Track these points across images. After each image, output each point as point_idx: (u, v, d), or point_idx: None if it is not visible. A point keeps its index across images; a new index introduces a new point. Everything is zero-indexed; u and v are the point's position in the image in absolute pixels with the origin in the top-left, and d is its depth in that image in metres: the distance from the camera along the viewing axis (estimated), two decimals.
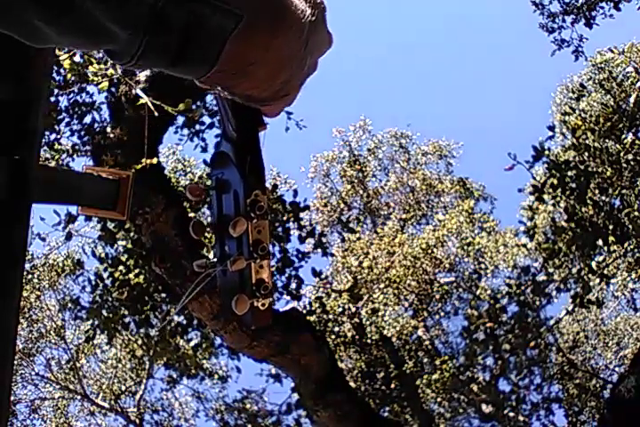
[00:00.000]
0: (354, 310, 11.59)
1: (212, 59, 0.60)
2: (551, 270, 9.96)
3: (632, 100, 8.37)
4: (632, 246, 8.61)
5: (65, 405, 12.60)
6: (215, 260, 0.96)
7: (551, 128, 8.97)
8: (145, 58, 0.57)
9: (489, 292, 12.32)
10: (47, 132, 6.89)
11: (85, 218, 8.25)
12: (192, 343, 10.25)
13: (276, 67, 0.69)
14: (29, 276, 11.23)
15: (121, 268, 7.92)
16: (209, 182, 1.00)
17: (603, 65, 10.36)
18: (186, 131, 8.17)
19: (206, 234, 0.98)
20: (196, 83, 0.70)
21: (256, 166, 0.97)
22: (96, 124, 7.29)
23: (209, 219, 1.00)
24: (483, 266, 12.73)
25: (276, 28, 0.64)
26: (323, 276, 11.43)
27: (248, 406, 12.67)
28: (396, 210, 14.80)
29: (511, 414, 11.77)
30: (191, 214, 6.90)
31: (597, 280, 9.48)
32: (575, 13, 8.78)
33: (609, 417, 7.85)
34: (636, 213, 8.08)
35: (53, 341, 12.18)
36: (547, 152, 8.42)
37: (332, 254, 12.52)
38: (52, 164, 6.97)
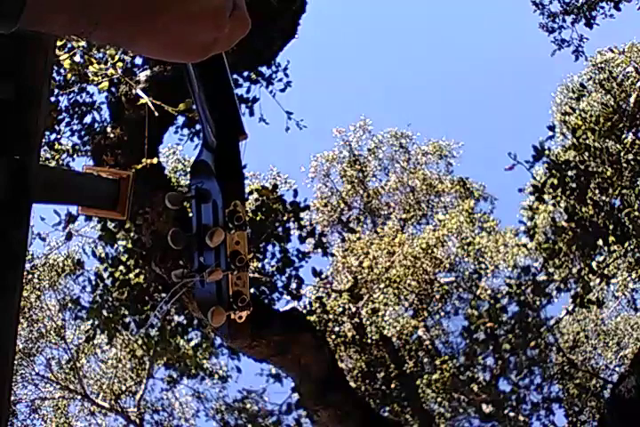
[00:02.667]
0: (354, 309, 11.59)
1: (15, 14, 0.57)
2: (551, 270, 9.96)
3: (632, 100, 8.36)
4: (632, 246, 8.61)
5: (65, 405, 12.60)
6: (193, 270, 0.94)
7: (551, 128, 8.97)
8: None
9: (489, 292, 12.32)
10: (47, 132, 6.89)
11: (85, 218, 8.26)
12: (192, 343, 10.25)
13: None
14: (29, 276, 11.23)
15: (121, 268, 7.92)
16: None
17: (603, 65, 10.35)
18: (186, 131, 8.18)
19: (183, 245, 0.96)
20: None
21: (236, 176, 0.95)
22: (96, 124, 7.29)
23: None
24: (483, 266, 12.73)
25: None
26: (323, 276, 11.43)
27: (248, 406, 12.68)
28: (396, 210, 14.80)
29: (511, 413, 11.77)
30: (191, 214, 6.90)
31: (598, 280, 9.47)
32: (575, 13, 8.79)
33: (609, 417, 7.85)
34: (637, 213, 8.08)
35: (53, 341, 12.18)
36: (547, 152, 8.42)
37: (333, 254, 12.52)
38: (53, 164, 6.97)
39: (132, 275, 7.82)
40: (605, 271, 9.27)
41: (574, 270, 9.38)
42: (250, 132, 0.97)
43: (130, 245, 7.85)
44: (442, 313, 12.98)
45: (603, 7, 8.55)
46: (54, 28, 0.62)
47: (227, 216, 0.91)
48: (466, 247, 12.68)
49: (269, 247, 8.25)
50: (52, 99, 6.78)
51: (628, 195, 8.13)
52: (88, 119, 7.32)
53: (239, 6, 0.73)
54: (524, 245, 11.35)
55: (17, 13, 0.57)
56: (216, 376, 12.47)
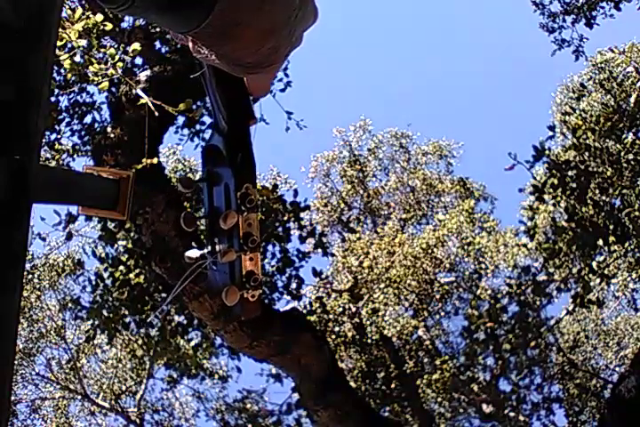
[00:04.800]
0: (354, 309, 11.59)
1: (205, 8, 0.60)
2: (551, 270, 9.96)
3: (632, 99, 8.36)
4: (632, 246, 8.61)
5: (65, 405, 12.60)
6: (206, 251, 0.95)
7: (551, 128, 8.96)
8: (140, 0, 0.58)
9: (489, 292, 12.32)
10: (47, 132, 6.89)
11: (86, 218, 8.26)
12: (192, 343, 10.24)
13: (264, 31, 0.69)
14: (29, 276, 11.23)
15: (121, 268, 7.92)
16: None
17: (603, 65, 10.35)
18: (186, 131, 8.18)
19: (199, 226, 0.97)
20: (186, 44, 0.70)
21: (247, 160, 0.96)
22: (96, 124, 7.29)
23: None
24: (483, 266, 12.73)
25: None
26: (323, 276, 11.43)
27: (248, 406, 12.67)
28: (396, 210, 14.80)
29: (512, 414, 11.77)
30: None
31: (598, 280, 9.47)
32: (575, 13, 8.78)
33: (609, 417, 7.85)
34: (637, 213, 8.08)
35: (54, 341, 12.18)
36: (547, 152, 8.41)
37: (333, 254, 12.51)
38: (53, 164, 6.97)
39: (132, 275, 7.82)
40: (605, 271, 9.27)
41: (574, 270, 9.38)
42: (256, 117, 0.98)
43: (130, 245, 7.85)
44: (442, 313, 12.98)
45: (603, 7, 8.55)
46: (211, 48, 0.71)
47: (239, 199, 0.92)
48: (466, 247, 12.68)
49: (269, 247, 8.25)
50: (53, 99, 6.78)
51: (629, 195, 8.12)
52: (88, 119, 7.33)
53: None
54: (524, 245, 11.34)
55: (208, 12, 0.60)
56: (216, 376, 12.47)
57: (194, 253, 0.96)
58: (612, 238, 7.96)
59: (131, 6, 0.60)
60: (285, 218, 8.18)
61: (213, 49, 0.73)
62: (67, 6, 4.96)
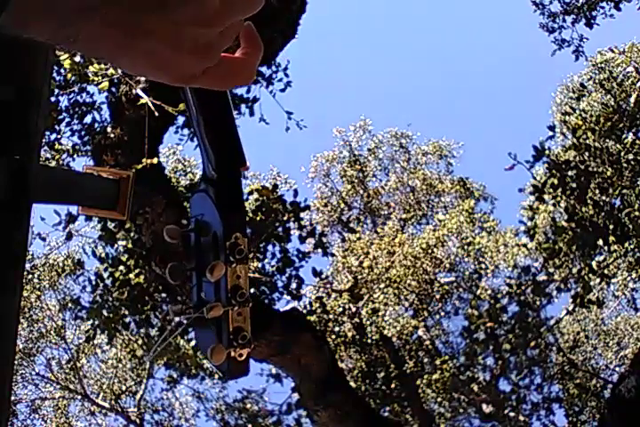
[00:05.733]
0: (354, 309, 11.59)
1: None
2: (551, 270, 9.96)
3: (632, 99, 8.36)
4: (632, 246, 8.61)
5: (65, 405, 12.61)
6: (191, 306, 0.91)
7: (551, 128, 8.96)
8: None
9: (489, 292, 12.32)
10: (47, 132, 6.89)
11: (85, 218, 8.26)
12: (192, 343, 10.24)
13: None
14: (29, 276, 11.23)
15: (121, 268, 7.92)
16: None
17: (603, 65, 10.36)
18: (186, 131, 8.18)
19: (181, 279, 0.93)
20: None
21: (237, 208, 0.92)
22: (96, 124, 7.29)
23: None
24: (483, 266, 12.73)
25: None
26: (323, 276, 11.43)
27: (248, 406, 12.67)
28: (396, 210, 14.80)
29: (512, 413, 11.77)
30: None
31: (598, 280, 9.47)
32: (575, 13, 8.79)
33: (609, 417, 7.85)
34: (637, 213, 8.08)
35: (54, 341, 12.18)
36: (547, 152, 8.41)
37: (333, 254, 12.52)
38: (53, 164, 6.97)
39: (132, 275, 7.82)
40: (605, 271, 9.27)
41: (574, 270, 9.38)
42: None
43: (130, 245, 7.85)
44: (442, 313, 12.98)
45: (603, 7, 8.55)
46: (37, 35, 0.61)
47: (227, 249, 0.88)
48: (466, 247, 12.68)
49: (269, 247, 8.25)
50: (52, 99, 6.78)
51: (628, 195, 8.12)
52: (88, 119, 7.32)
53: (247, 54, 0.71)
54: (524, 245, 11.34)
55: None
56: (216, 376, 12.46)
57: (178, 307, 0.93)
58: (612, 238, 7.96)
59: None
60: (285, 218, 8.17)
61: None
62: None
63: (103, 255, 8.32)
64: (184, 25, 0.63)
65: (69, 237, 8.06)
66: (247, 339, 0.88)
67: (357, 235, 13.20)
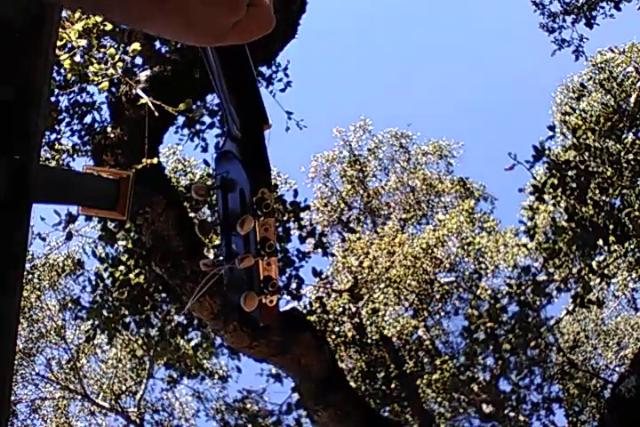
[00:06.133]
0: (354, 309, 11.59)
1: None
2: (551, 270, 9.96)
3: (632, 99, 8.36)
4: (632, 246, 8.61)
5: (65, 405, 12.61)
6: (222, 258, 0.96)
7: (551, 128, 8.96)
8: None
9: (489, 292, 12.32)
10: (47, 132, 6.89)
11: (86, 218, 8.26)
12: (192, 343, 10.25)
13: None
14: (29, 276, 11.23)
15: (121, 268, 7.92)
16: (210, 182, 1.00)
17: (603, 65, 10.36)
18: (186, 131, 8.18)
19: (210, 234, 0.98)
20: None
21: (262, 164, 0.97)
22: (96, 124, 7.29)
23: (209, 219, 1.01)
24: (483, 266, 12.73)
25: None
26: (323, 276, 11.43)
27: (248, 406, 12.67)
28: (396, 210, 14.80)
29: (512, 414, 11.77)
30: (191, 214, 6.90)
31: (598, 280, 9.47)
32: (575, 13, 8.79)
33: (609, 417, 7.85)
34: (637, 213, 8.08)
35: (54, 341, 12.18)
36: (547, 152, 8.41)
37: (333, 254, 12.52)
38: (53, 164, 6.97)
39: (132, 275, 7.82)
40: (605, 271, 9.27)
41: (574, 270, 9.38)
42: (270, 122, 0.98)
43: (130, 245, 7.85)
44: (442, 313, 12.98)
45: (603, 7, 8.55)
46: (68, 2, 0.61)
47: (255, 204, 0.92)
48: (466, 247, 12.68)
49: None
50: (52, 99, 6.78)
51: (628, 195, 8.12)
52: (88, 119, 7.33)
53: (261, 3, 0.72)
54: (524, 245, 11.35)
55: None
56: (216, 376, 12.47)
57: (209, 260, 0.97)
58: (612, 238, 7.96)
59: None
60: (285, 218, 8.18)
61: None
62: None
63: (103, 255, 8.32)
64: None
65: (69, 237, 8.06)
66: (276, 286, 0.94)
67: (357, 235, 13.20)
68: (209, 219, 7.21)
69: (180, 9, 0.63)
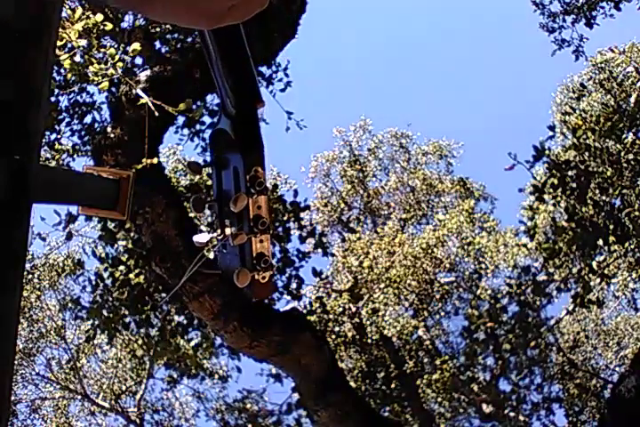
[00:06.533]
0: (354, 309, 11.59)
1: None
2: (551, 270, 9.96)
3: (632, 99, 8.36)
4: (632, 246, 8.61)
5: (65, 405, 12.60)
6: (215, 235, 0.97)
7: (551, 128, 8.96)
8: None
9: (489, 292, 12.32)
10: (47, 132, 6.89)
11: (86, 218, 8.26)
12: (192, 343, 10.25)
13: None
14: (29, 276, 11.23)
15: (121, 268, 7.92)
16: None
17: (603, 65, 10.35)
18: (186, 131, 8.18)
19: (204, 210, 0.98)
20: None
21: (255, 143, 0.97)
22: (96, 124, 7.29)
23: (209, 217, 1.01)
24: (483, 266, 12.73)
25: None
26: (323, 276, 11.43)
27: (248, 406, 12.67)
28: (396, 210, 14.80)
29: (512, 413, 11.77)
30: (191, 214, 6.90)
31: (598, 280, 9.47)
32: (575, 13, 8.78)
33: (609, 417, 7.85)
34: (637, 213, 8.08)
35: (54, 341, 12.18)
36: (547, 152, 8.41)
37: (333, 254, 12.52)
38: (53, 164, 6.97)
39: (132, 275, 7.82)
40: (605, 271, 9.27)
41: (574, 270, 9.38)
42: (264, 100, 0.98)
43: (130, 245, 7.85)
44: (442, 313, 12.98)
45: (603, 7, 8.55)
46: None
47: (248, 182, 0.93)
48: (466, 247, 12.68)
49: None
50: (53, 99, 6.78)
51: (629, 195, 8.12)
52: (88, 119, 7.33)
53: None
54: (524, 245, 11.35)
55: None
56: (216, 376, 12.47)
57: (203, 237, 0.97)
58: (612, 238, 7.96)
59: None
60: (285, 218, 8.17)
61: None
62: (67, 6, 4.96)
63: (103, 255, 8.32)
64: None
65: (69, 237, 8.06)
66: (269, 263, 0.95)
67: (357, 235, 13.20)
68: (208, 219, 7.22)
69: None
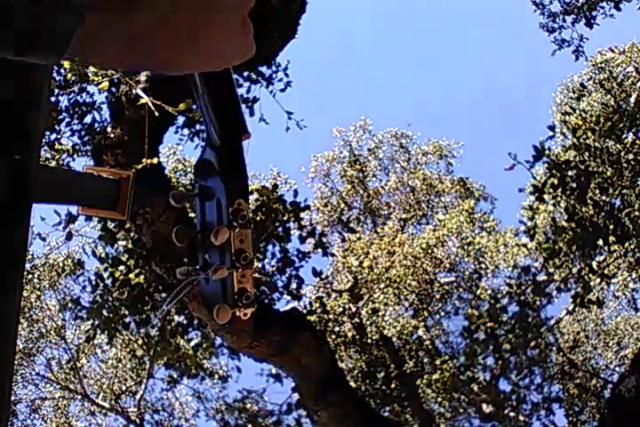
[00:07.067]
0: (354, 309, 11.59)
1: (61, 49, 0.60)
2: (551, 270, 9.96)
3: (632, 99, 8.36)
4: (632, 246, 8.61)
5: (65, 405, 12.61)
6: (197, 267, 0.95)
7: (551, 128, 8.96)
8: None
9: (489, 292, 12.32)
10: (47, 132, 6.88)
11: (86, 218, 8.26)
12: (192, 343, 10.25)
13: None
14: (30, 276, 11.23)
15: (121, 268, 7.92)
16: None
17: (603, 65, 10.36)
18: (186, 131, 8.18)
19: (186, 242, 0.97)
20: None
21: (239, 175, 0.96)
22: (96, 124, 7.29)
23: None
24: (483, 266, 12.73)
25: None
26: (323, 276, 11.43)
27: (248, 406, 12.68)
28: (396, 210, 14.80)
29: (512, 413, 11.77)
30: (191, 215, 6.91)
31: (598, 280, 9.47)
32: (576, 13, 8.78)
33: (609, 417, 7.86)
34: (637, 213, 8.08)
35: (54, 341, 12.18)
36: (547, 152, 8.41)
37: (333, 254, 12.52)
38: (53, 164, 6.96)
39: (132, 275, 7.82)
40: (605, 271, 9.27)
41: (574, 270, 9.38)
42: (250, 132, 0.98)
43: (130, 245, 7.85)
44: (442, 313, 12.98)
45: (603, 7, 8.55)
46: (105, 60, 0.64)
47: (231, 214, 0.92)
48: (466, 247, 12.68)
49: (269, 247, 8.25)
50: (53, 99, 6.78)
51: (629, 195, 8.12)
52: (88, 119, 7.32)
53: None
54: (524, 245, 11.35)
55: (64, 45, 0.59)
56: (216, 376, 12.47)
57: (185, 269, 0.96)
58: (611, 238, 7.96)
59: None
60: (285, 218, 8.17)
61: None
62: None
63: (103, 255, 8.32)
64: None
65: (69, 237, 8.05)
66: (251, 299, 0.93)
67: (357, 235, 13.20)
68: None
69: (209, 47, 0.68)
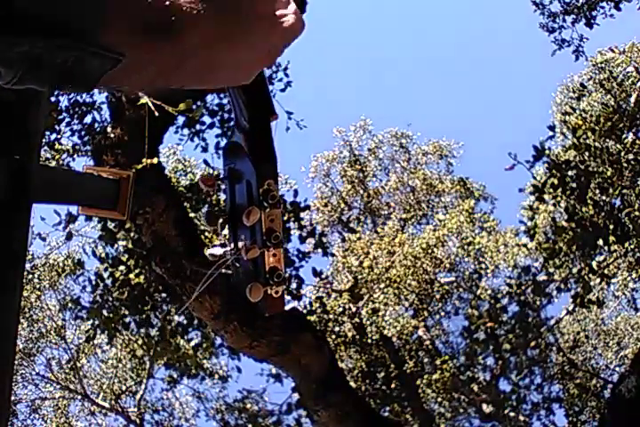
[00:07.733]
0: (354, 309, 11.59)
1: (90, 85, 0.61)
2: (551, 270, 9.96)
3: (632, 99, 8.36)
4: (632, 246, 8.61)
5: (65, 405, 12.61)
6: (229, 248, 0.97)
7: (551, 128, 8.96)
8: (22, 84, 0.59)
9: (489, 292, 12.32)
10: (47, 132, 6.88)
11: (86, 218, 8.26)
12: (192, 343, 10.25)
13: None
14: (30, 276, 11.23)
15: (121, 268, 7.92)
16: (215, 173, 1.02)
17: (603, 65, 10.36)
18: (186, 131, 8.17)
19: (218, 224, 0.99)
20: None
21: (268, 156, 0.97)
22: (96, 124, 7.28)
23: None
24: (483, 266, 12.73)
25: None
26: (323, 276, 11.43)
27: (248, 406, 12.68)
28: (396, 210, 14.80)
29: (512, 413, 11.77)
30: (191, 214, 6.91)
31: (598, 280, 9.47)
32: (576, 13, 8.78)
33: (609, 417, 7.86)
34: (637, 213, 8.08)
35: (54, 341, 12.18)
36: (547, 152, 8.41)
37: (333, 254, 12.52)
38: (53, 164, 6.97)
39: (132, 275, 7.82)
40: (605, 271, 9.27)
41: (574, 270, 9.38)
42: (271, 128, 0.99)
43: (130, 245, 7.85)
44: (442, 313, 12.98)
45: (603, 7, 8.55)
46: (137, 85, 0.65)
47: (261, 195, 0.93)
48: (466, 247, 12.68)
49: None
50: (53, 99, 6.77)
51: (629, 195, 8.12)
52: (88, 119, 7.32)
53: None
54: (524, 245, 11.35)
55: (94, 83, 0.60)
56: (216, 376, 12.47)
57: (217, 250, 0.98)
58: (612, 238, 7.96)
59: (13, 85, 0.62)
60: (285, 218, 8.17)
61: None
62: None
63: (103, 255, 8.32)
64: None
65: (69, 237, 8.05)
66: (282, 277, 0.95)
67: (357, 235, 13.20)
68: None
69: (244, 58, 0.71)
